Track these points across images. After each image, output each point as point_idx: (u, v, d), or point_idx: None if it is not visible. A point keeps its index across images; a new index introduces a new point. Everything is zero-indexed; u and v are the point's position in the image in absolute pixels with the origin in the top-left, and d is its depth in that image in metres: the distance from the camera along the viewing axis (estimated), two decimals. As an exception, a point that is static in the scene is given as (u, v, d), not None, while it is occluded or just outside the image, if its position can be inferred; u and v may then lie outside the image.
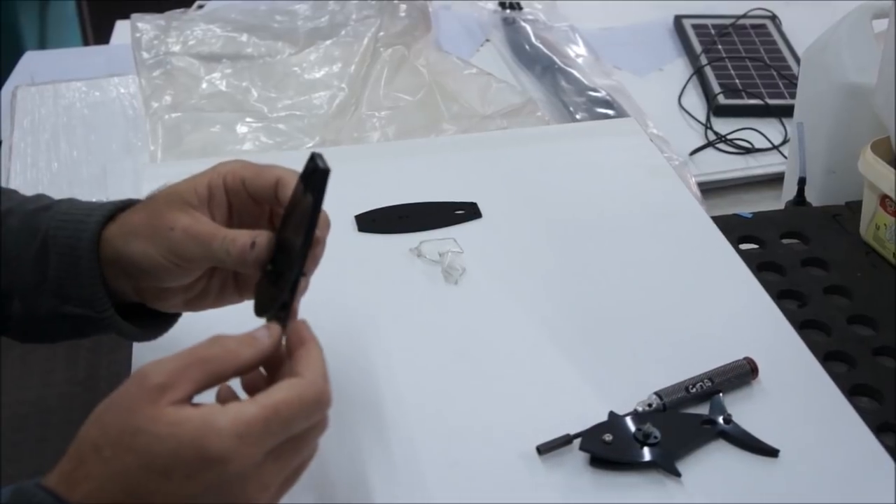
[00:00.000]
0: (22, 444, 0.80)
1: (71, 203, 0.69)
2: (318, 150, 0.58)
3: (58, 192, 1.17)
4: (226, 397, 0.55)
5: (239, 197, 0.65)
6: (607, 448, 0.67)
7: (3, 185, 1.20)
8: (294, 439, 0.53)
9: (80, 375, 0.87)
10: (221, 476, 0.50)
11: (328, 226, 0.65)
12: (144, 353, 0.75)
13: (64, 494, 0.50)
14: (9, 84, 1.42)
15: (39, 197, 0.71)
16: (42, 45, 2.35)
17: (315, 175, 0.58)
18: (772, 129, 1.28)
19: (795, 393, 0.74)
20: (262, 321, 0.59)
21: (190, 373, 0.52)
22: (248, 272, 0.64)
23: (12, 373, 0.86)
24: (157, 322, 0.71)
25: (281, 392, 0.52)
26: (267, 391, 0.52)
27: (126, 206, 0.68)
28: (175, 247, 0.63)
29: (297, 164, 0.62)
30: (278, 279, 0.60)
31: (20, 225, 0.67)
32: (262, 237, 0.61)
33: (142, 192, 0.94)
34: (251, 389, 0.56)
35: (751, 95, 1.34)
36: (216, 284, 0.68)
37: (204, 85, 1.32)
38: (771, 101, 1.32)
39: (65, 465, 0.51)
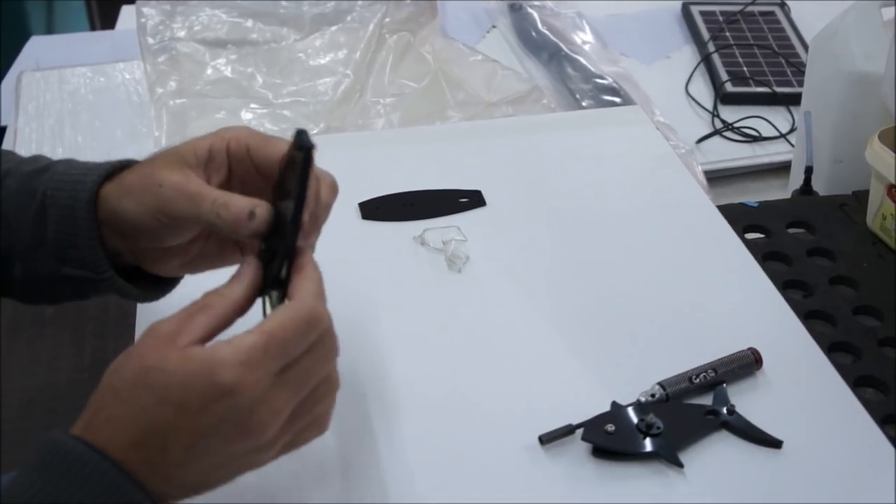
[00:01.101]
0: (29, 430, 0.80)
1: (69, 163, 0.68)
2: (303, 128, 0.58)
3: (62, 178, 1.17)
4: None
5: (242, 164, 0.64)
6: (610, 438, 0.67)
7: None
8: (299, 364, 0.55)
9: (86, 362, 0.87)
10: (233, 405, 0.52)
11: (335, 191, 0.64)
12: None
13: (90, 440, 0.52)
14: (14, 69, 1.42)
15: (37, 158, 0.70)
16: (49, 30, 2.35)
17: (299, 154, 0.57)
18: (779, 118, 1.28)
19: (800, 384, 0.73)
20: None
21: (196, 318, 0.54)
22: (242, 240, 0.64)
23: (19, 359, 0.86)
24: (158, 285, 0.71)
25: (277, 317, 0.54)
26: (266, 319, 0.55)
27: (125, 165, 0.67)
28: (163, 204, 0.62)
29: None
30: (272, 259, 0.59)
31: (18, 186, 0.67)
32: (263, 208, 0.60)
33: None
34: None
35: (758, 83, 1.33)
36: (214, 245, 0.68)
37: (209, 71, 1.31)
38: (779, 89, 1.32)
39: (87, 413, 0.54)
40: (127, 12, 1.63)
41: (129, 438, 0.52)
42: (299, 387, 0.55)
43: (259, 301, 0.59)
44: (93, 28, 2.53)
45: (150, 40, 1.36)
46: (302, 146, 0.56)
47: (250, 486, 0.60)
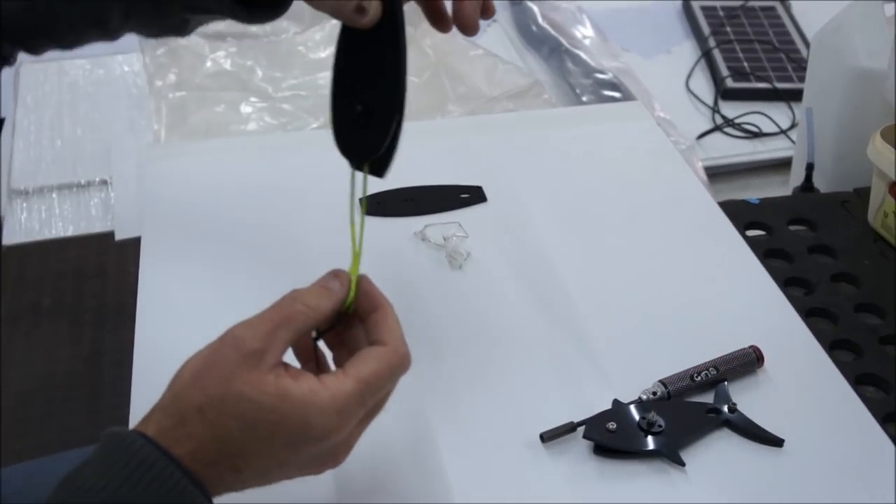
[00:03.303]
0: (27, 420, 0.80)
1: None
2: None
3: (61, 171, 1.17)
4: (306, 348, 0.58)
5: None
6: (611, 436, 0.67)
7: (5, 162, 1.19)
8: (377, 402, 0.56)
9: (84, 352, 0.87)
10: (321, 447, 0.53)
11: None
12: (147, 334, 0.75)
13: (165, 448, 0.51)
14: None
15: None
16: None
17: None
18: (779, 114, 1.28)
19: (801, 382, 0.73)
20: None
21: (280, 334, 0.53)
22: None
23: (18, 349, 0.86)
24: (272, 6, 0.70)
25: (371, 364, 0.54)
26: (356, 362, 0.54)
27: None
28: None
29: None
30: (369, 119, 0.58)
31: None
32: (375, 4, 0.58)
33: (145, 173, 0.94)
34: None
35: (759, 79, 1.33)
36: None
37: (208, 63, 1.31)
38: (779, 85, 1.31)
39: (163, 421, 0.52)
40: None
41: (209, 458, 0.51)
42: (369, 421, 0.57)
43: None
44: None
45: (150, 32, 1.35)
46: None
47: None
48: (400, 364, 0.56)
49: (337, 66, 0.61)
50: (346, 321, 0.59)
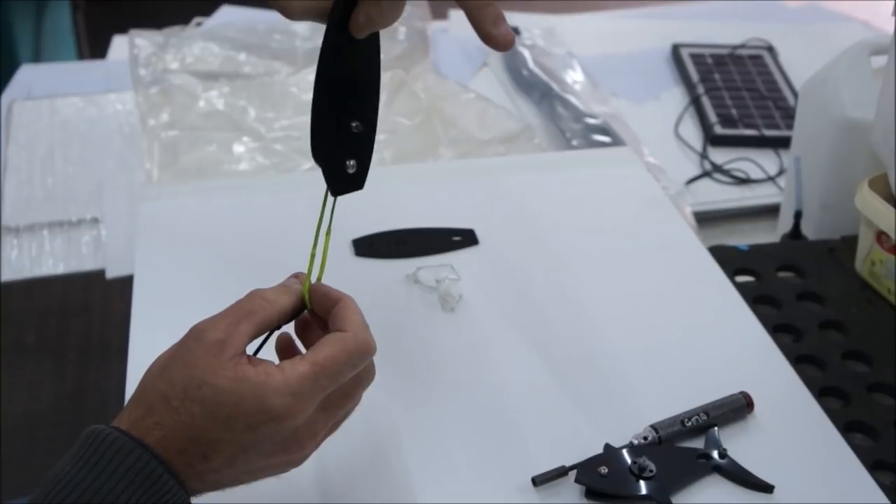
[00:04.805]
0: (9, 458, 0.79)
1: None
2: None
3: (52, 209, 1.18)
4: (284, 346, 0.61)
5: None
6: (603, 481, 0.67)
7: (-3, 200, 1.19)
8: (341, 390, 0.58)
9: (67, 389, 0.86)
10: (279, 429, 0.55)
11: None
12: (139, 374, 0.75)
13: (138, 437, 0.53)
14: (4, 98, 1.42)
15: None
16: (37, 57, 2.35)
17: None
18: (767, 160, 1.29)
19: (790, 428, 0.74)
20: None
21: (242, 326, 0.56)
22: None
23: (1, 386, 0.86)
24: None
25: (327, 348, 0.56)
26: (315, 348, 0.57)
27: None
28: None
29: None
30: (360, 138, 0.60)
31: None
32: None
33: (138, 212, 0.94)
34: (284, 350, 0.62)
35: (747, 126, 1.35)
36: None
37: (201, 103, 1.32)
38: (767, 132, 1.33)
39: (133, 412, 0.55)
40: (119, 42, 1.63)
41: (178, 446, 0.54)
42: (337, 409, 0.59)
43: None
44: (81, 56, 2.53)
45: (143, 71, 1.36)
46: None
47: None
48: (358, 349, 0.57)
49: (327, 76, 0.59)
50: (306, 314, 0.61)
